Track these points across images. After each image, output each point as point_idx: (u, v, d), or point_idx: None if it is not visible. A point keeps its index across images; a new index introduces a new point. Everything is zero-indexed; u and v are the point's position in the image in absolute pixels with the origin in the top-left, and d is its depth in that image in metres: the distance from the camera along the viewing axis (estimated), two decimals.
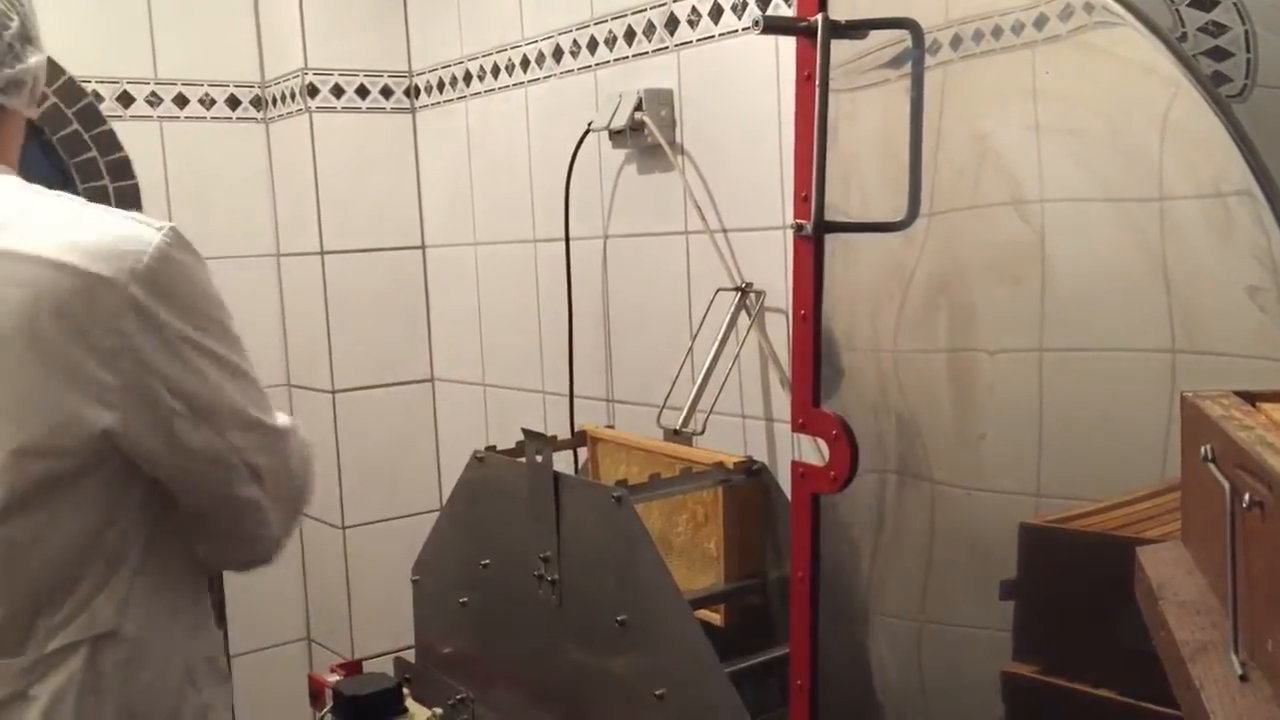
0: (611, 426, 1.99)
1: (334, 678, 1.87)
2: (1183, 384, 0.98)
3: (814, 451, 1.34)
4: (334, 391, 2.60)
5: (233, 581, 2.49)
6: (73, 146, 2.47)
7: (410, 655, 1.88)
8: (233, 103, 2.70)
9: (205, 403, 1.10)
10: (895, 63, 1.21)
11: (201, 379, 1.10)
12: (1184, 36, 1.09)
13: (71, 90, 2.46)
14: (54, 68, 2.40)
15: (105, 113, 2.52)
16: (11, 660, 1.07)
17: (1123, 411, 1.08)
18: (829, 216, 1.20)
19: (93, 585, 1.09)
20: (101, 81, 2.52)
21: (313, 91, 2.54)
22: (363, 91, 2.60)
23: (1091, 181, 1.11)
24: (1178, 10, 1.11)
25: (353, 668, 1.96)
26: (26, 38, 1.15)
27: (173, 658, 1.15)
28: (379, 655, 2.40)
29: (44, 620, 1.08)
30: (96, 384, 1.03)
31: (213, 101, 2.67)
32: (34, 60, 1.16)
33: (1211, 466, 0.70)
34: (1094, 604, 1.08)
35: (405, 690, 1.84)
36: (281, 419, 1.18)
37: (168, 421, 1.08)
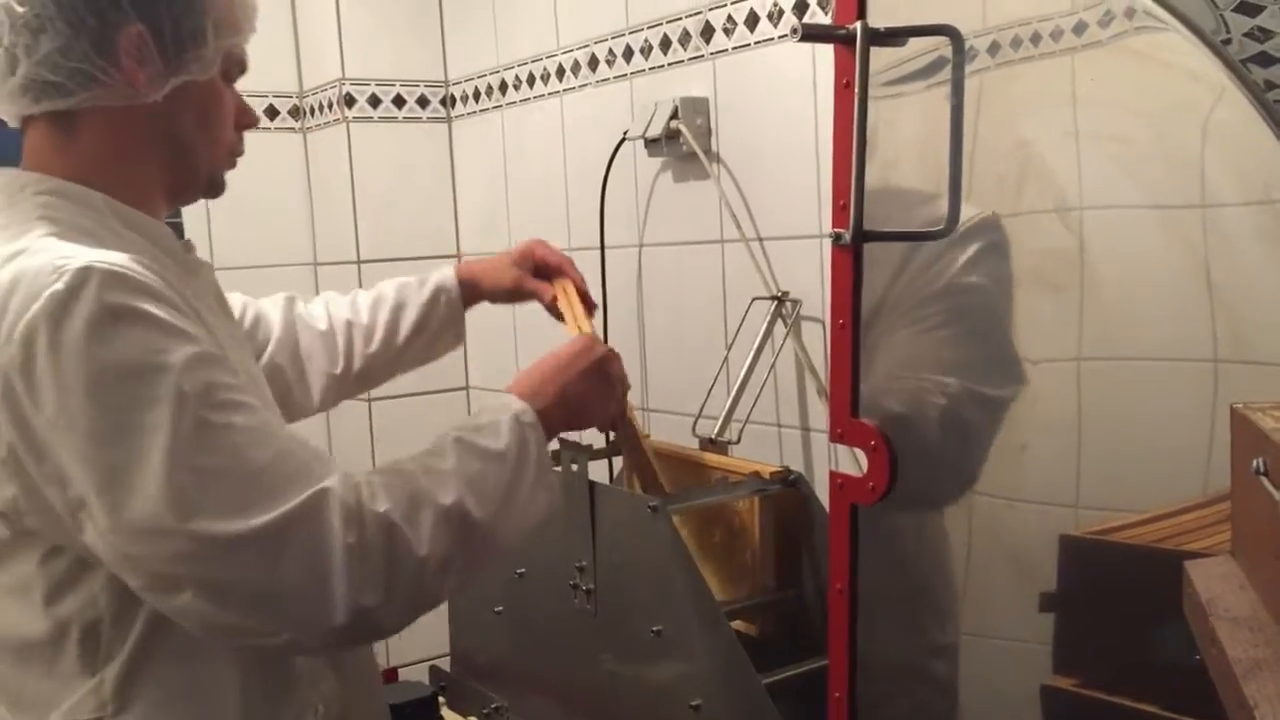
0: (648, 436, 1.98)
1: None
2: (1227, 395, 0.97)
3: (851, 462, 1.33)
4: (371, 400, 2.62)
5: None
6: None
7: (446, 664, 1.89)
8: (271, 113, 2.73)
9: (75, 498, 0.92)
10: (934, 70, 1.20)
11: (71, 452, 0.90)
12: (1229, 41, 1.08)
13: None
14: None
15: None
16: None
17: (1165, 422, 1.07)
18: (867, 225, 1.19)
19: (75, 669, 0.99)
20: None
21: (350, 101, 2.56)
22: (399, 101, 2.61)
23: (1134, 188, 1.10)
24: (1222, 15, 1.09)
25: (389, 676, 1.97)
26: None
27: None
28: (414, 663, 2.40)
29: (31, 691, 1.00)
30: None
31: None
32: None
33: (1265, 480, 0.69)
34: (1135, 617, 1.07)
35: (440, 699, 1.84)
36: (243, 523, 0.91)
37: (50, 511, 0.94)
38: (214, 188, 1.15)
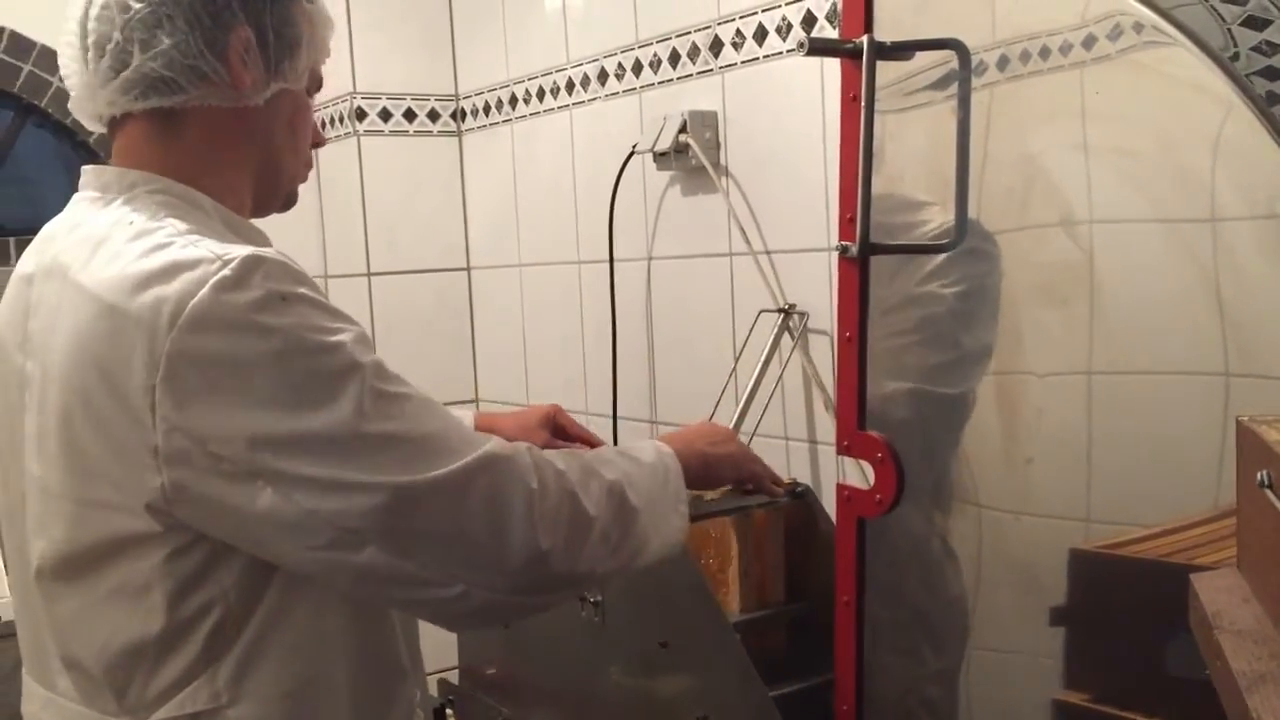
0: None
1: None
2: (1236, 408, 0.97)
3: (859, 475, 1.33)
4: None
5: None
6: None
7: (454, 676, 1.89)
8: None
9: (251, 470, 0.93)
10: (941, 84, 1.21)
11: (263, 434, 0.92)
12: (1236, 56, 1.08)
13: None
14: None
15: None
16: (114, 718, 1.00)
17: (1174, 436, 1.07)
18: (874, 238, 1.19)
19: (191, 662, 0.98)
20: None
21: (361, 115, 2.57)
22: (410, 115, 2.63)
23: (1142, 202, 1.10)
24: (1229, 29, 1.09)
25: None
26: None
27: None
28: None
29: (147, 686, 0.99)
30: (129, 442, 0.92)
31: None
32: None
33: (1269, 493, 0.69)
34: (1146, 632, 1.06)
35: (449, 711, 1.84)
36: (429, 474, 0.94)
37: (216, 482, 0.93)
38: (290, 200, 1.16)
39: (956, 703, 1.28)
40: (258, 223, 1.10)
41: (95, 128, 1.08)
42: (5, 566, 1.13)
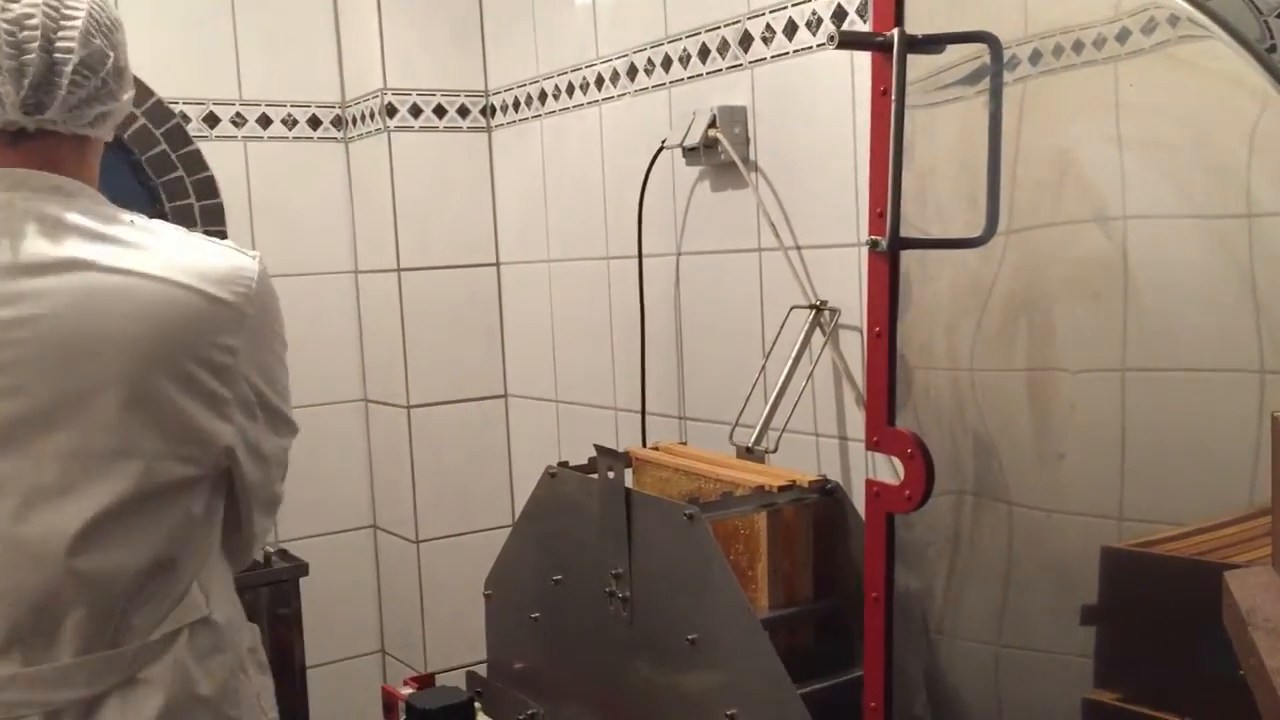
0: (684, 443, 1.99)
1: (407, 691, 1.88)
2: (1271, 405, 0.96)
3: (889, 470, 1.33)
4: (409, 407, 2.64)
5: (309, 594, 2.53)
6: (160, 166, 2.54)
7: (483, 670, 1.89)
8: (314, 123, 2.76)
9: (280, 410, 1.28)
10: (973, 77, 1.20)
11: (282, 388, 1.28)
12: (1273, 49, 1.06)
13: (160, 112, 2.53)
14: (143, 90, 2.47)
15: (192, 133, 2.59)
16: (120, 650, 1.16)
17: (1209, 433, 1.06)
18: (904, 233, 1.19)
19: (188, 575, 1.21)
20: (189, 103, 2.59)
21: (391, 111, 2.58)
22: (440, 111, 2.63)
23: (1177, 196, 1.09)
24: (1265, 21, 1.08)
25: (425, 681, 1.98)
26: (120, 74, 1.20)
27: (237, 643, 1.28)
28: (452, 669, 2.41)
29: (141, 612, 1.17)
30: (214, 397, 1.18)
31: (295, 122, 2.73)
32: (126, 97, 1.22)
33: None
34: (1179, 630, 1.05)
35: (477, 705, 1.84)
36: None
37: (261, 429, 1.25)
38: None
39: (986, 701, 1.28)
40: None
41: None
42: None
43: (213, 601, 1.24)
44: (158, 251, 1.17)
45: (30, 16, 1.11)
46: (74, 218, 1.14)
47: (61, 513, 1.11)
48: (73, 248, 1.12)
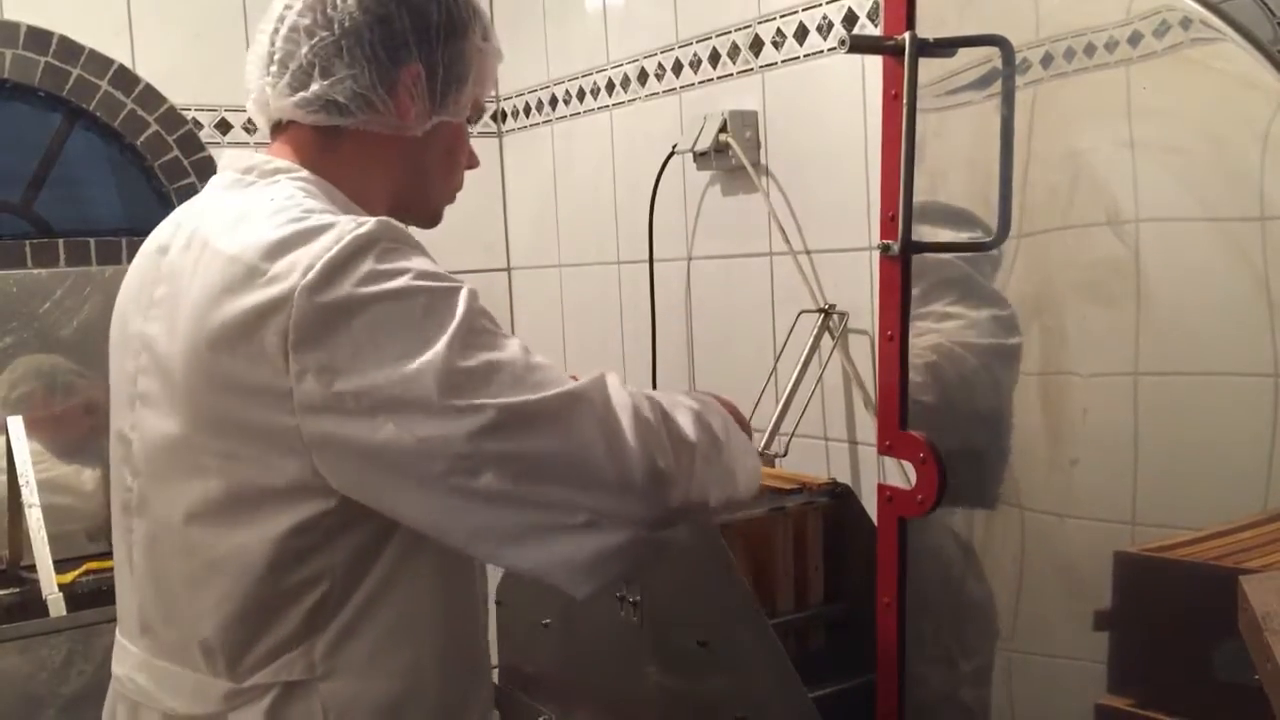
0: None
1: None
2: None
3: (899, 475, 1.32)
4: None
5: None
6: (173, 172, 2.55)
7: (494, 675, 1.90)
8: None
9: (376, 402, 0.96)
10: (984, 82, 1.20)
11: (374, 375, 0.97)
12: None
13: (172, 118, 2.54)
14: (155, 96, 2.49)
15: (205, 140, 2.60)
16: (220, 681, 1.04)
17: (1222, 437, 1.05)
18: (916, 237, 1.19)
19: (291, 633, 1.02)
20: (200, 109, 2.60)
21: None
22: None
23: (1190, 200, 1.08)
24: (1278, 24, 1.08)
25: None
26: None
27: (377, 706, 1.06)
28: None
29: (249, 651, 1.03)
30: (276, 389, 0.96)
31: None
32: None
33: None
34: (1193, 635, 1.05)
35: None
36: (535, 395, 0.97)
37: (349, 424, 0.96)
38: (436, 219, 1.24)
39: (999, 706, 1.27)
40: None
41: (260, 124, 1.18)
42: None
43: (336, 669, 1.03)
44: (243, 226, 1.02)
45: None
46: None
47: (167, 496, 1.05)
48: (200, 225, 1.07)
